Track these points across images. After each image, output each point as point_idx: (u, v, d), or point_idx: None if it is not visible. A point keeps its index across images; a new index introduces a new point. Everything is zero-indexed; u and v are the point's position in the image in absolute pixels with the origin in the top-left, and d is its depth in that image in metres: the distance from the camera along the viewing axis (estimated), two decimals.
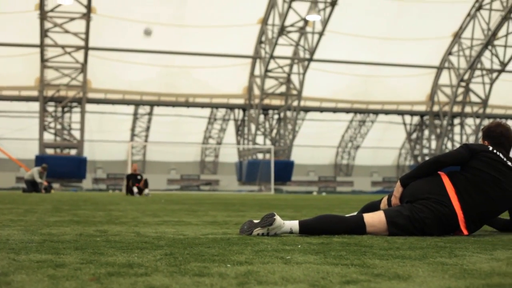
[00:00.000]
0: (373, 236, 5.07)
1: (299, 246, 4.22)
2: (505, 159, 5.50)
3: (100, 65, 42.49)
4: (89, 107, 44.98)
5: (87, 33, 38.64)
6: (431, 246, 4.33)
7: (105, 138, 54.99)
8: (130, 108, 53.99)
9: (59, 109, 42.14)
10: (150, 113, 56.08)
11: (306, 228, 5.11)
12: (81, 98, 41.33)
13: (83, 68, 40.54)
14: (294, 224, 5.13)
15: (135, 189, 25.14)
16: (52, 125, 42.09)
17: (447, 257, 3.70)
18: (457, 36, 46.45)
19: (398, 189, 5.57)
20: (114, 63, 43.11)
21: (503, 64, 45.98)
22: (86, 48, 39.67)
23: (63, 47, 39.73)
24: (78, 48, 39.74)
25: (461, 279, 2.84)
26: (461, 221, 5.23)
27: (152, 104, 49.48)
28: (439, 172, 5.52)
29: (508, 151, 5.78)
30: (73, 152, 41.95)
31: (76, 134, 41.82)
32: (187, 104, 48.28)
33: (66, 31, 38.60)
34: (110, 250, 3.86)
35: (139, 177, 25.95)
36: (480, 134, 6.03)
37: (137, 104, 49.93)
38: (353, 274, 2.96)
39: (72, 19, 38.38)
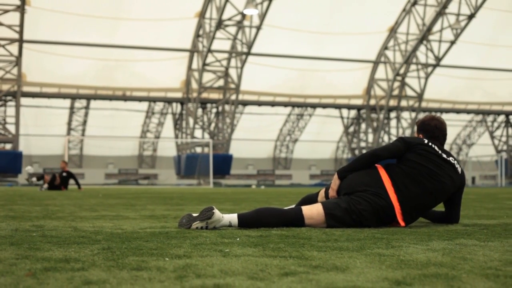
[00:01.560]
0: (311, 229, 5.10)
1: (238, 239, 4.23)
2: (440, 152, 5.56)
3: (35, 58, 41.86)
4: (24, 101, 44.31)
5: (21, 25, 37.99)
6: (368, 238, 4.37)
7: (41, 132, 54.29)
8: (66, 102, 53.41)
9: None
10: (86, 107, 55.57)
11: (245, 221, 5.11)
12: (16, 91, 40.61)
13: (18, 61, 39.85)
14: (233, 218, 5.11)
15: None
16: None
17: (384, 248, 3.74)
18: (393, 31, 47.05)
19: (335, 182, 5.60)
20: (49, 56, 42.51)
21: (438, 59, 46.78)
22: (21, 41, 39.00)
23: None
24: (12, 41, 39.05)
25: (398, 269, 2.88)
26: (398, 213, 5.28)
27: (88, 97, 48.92)
28: (376, 165, 5.58)
29: (442, 144, 5.83)
30: (8, 146, 41.22)
31: (11, 128, 41.10)
32: (124, 98, 47.89)
33: (0, 24, 37.90)
34: (47, 245, 3.80)
35: (64, 174, 25.94)
36: (415, 127, 6.07)
37: (73, 97, 49.34)
38: (292, 266, 2.97)
39: (6, 11, 37.69)
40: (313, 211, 5.27)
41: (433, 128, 5.84)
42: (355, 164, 5.60)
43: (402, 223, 5.35)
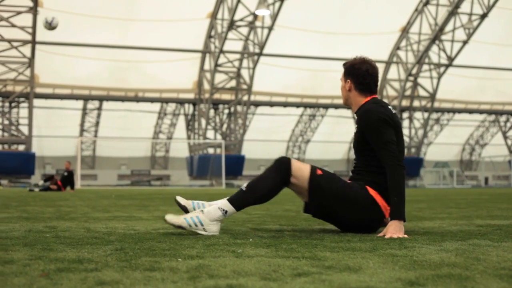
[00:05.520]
0: (324, 229, 5.09)
1: (251, 240, 4.23)
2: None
3: (47, 59, 41.98)
4: (37, 102, 44.48)
5: (34, 27, 38.11)
6: (381, 238, 4.37)
7: (53, 133, 54.47)
8: (79, 103, 53.57)
9: (6, 104, 41.50)
10: (99, 108, 55.74)
11: (240, 204, 4.75)
12: (29, 93, 40.73)
13: (31, 63, 39.96)
14: (225, 205, 4.71)
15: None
16: None
17: (397, 248, 3.74)
18: (405, 31, 46.96)
19: (402, 229, 4.66)
20: (62, 58, 42.66)
21: (450, 59, 46.64)
22: (33, 43, 39.12)
23: (9, 41, 39.13)
24: (25, 42, 39.18)
25: (411, 270, 2.87)
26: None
27: (101, 99, 49.10)
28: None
29: (375, 92, 5.12)
30: (21, 148, 41.37)
31: (24, 129, 41.23)
32: (137, 99, 48.02)
33: (13, 25, 38.02)
34: (60, 246, 3.81)
35: (65, 173, 26.29)
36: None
37: (86, 99, 49.50)
38: (304, 266, 2.97)
39: (18, 12, 37.83)
40: (302, 168, 4.85)
41: (364, 73, 5.06)
42: (403, 193, 4.74)
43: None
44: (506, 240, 4.32)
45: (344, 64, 5.24)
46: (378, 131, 4.82)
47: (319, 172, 4.85)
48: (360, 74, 5.06)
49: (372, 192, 4.84)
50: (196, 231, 4.63)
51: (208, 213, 4.65)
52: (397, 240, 4.26)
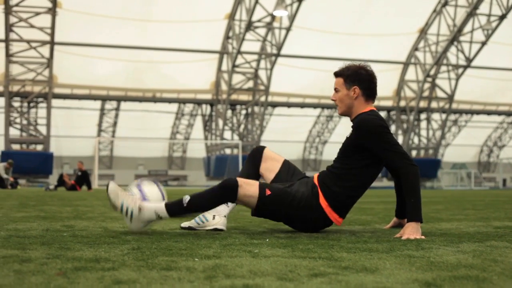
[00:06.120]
0: (341, 230, 5.07)
1: (267, 240, 4.23)
2: None
3: (66, 60, 42.15)
4: (55, 102, 44.66)
5: (52, 27, 38.31)
6: (398, 239, 4.36)
7: (71, 133, 54.71)
8: (97, 104, 53.73)
9: (25, 104, 41.72)
10: (117, 108, 55.89)
11: (175, 211, 4.71)
12: (47, 93, 40.92)
13: (49, 63, 40.16)
14: (160, 208, 4.67)
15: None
16: (18, 120, 41.64)
17: (414, 250, 3.73)
18: (423, 32, 46.80)
19: (419, 230, 4.60)
20: (80, 58, 42.83)
21: (469, 60, 46.39)
22: (52, 43, 39.31)
23: (28, 42, 39.34)
24: (43, 43, 39.38)
25: (428, 271, 2.86)
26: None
27: (119, 99, 49.23)
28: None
29: (375, 98, 5.06)
30: (39, 147, 41.57)
31: (42, 129, 41.44)
32: (154, 99, 48.12)
33: (32, 26, 38.23)
34: (77, 245, 3.83)
35: (79, 173, 26.42)
36: (340, 79, 4.87)
37: (104, 99, 49.63)
38: (321, 267, 2.97)
39: (37, 13, 38.02)
40: (250, 193, 4.81)
41: (370, 77, 5.02)
42: (419, 194, 4.65)
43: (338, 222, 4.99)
44: None
45: (340, 74, 5.10)
46: (382, 136, 4.74)
47: (267, 192, 4.82)
48: (367, 79, 4.98)
49: (323, 202, 4.84)
50: (123, 216, 4.66)
51: (143, 212, 4.62)
52: (414, 241, 4.24)
